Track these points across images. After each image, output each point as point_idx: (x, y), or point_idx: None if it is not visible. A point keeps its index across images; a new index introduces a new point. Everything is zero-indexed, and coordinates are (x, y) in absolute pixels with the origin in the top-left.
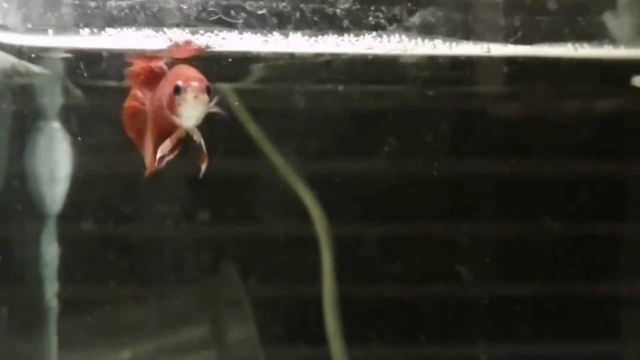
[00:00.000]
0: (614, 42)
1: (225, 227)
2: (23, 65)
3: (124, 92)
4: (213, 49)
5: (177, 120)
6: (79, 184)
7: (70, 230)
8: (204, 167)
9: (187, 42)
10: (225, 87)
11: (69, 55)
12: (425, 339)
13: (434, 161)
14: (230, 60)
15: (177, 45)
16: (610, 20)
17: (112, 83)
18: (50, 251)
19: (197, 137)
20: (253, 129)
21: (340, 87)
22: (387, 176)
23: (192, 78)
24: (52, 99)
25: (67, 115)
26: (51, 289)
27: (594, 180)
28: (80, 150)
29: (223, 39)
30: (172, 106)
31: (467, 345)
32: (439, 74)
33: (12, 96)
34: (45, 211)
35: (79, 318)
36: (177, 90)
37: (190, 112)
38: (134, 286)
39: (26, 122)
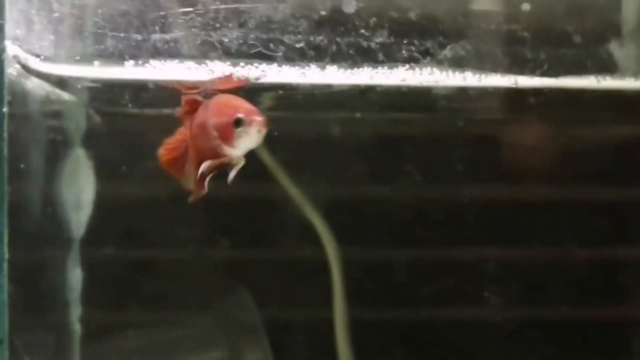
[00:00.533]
0: (634, 74)
1: (239, 252)
2: (55, 92)
3: (149, 120)
4: (256, 81)
5: (228, 150)
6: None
7: (92, 255)
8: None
9: (230, 75)
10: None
11: (95, 84)
12: None
13: (457, 187)
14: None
15: (222, 77)
16: (616, 49)
17: (138, 111)
18: (74, 275)
19: (240, 164)
20: (265, 155)
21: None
22: (411, 202)
23: (252, 112)
24: (78, 125)
25: (92, 142)
26: (75, 313)
27: (616, 205)
28: (104, 176)
29: (263, 71)
30: (228, 137)
31: None
32: (468, 105)
33: (45, 122)
34: (70, 236)
35: (101, 342)
36: (238, 122)
37: (248, 145)
38: (152, 310)
39: (55, 147)
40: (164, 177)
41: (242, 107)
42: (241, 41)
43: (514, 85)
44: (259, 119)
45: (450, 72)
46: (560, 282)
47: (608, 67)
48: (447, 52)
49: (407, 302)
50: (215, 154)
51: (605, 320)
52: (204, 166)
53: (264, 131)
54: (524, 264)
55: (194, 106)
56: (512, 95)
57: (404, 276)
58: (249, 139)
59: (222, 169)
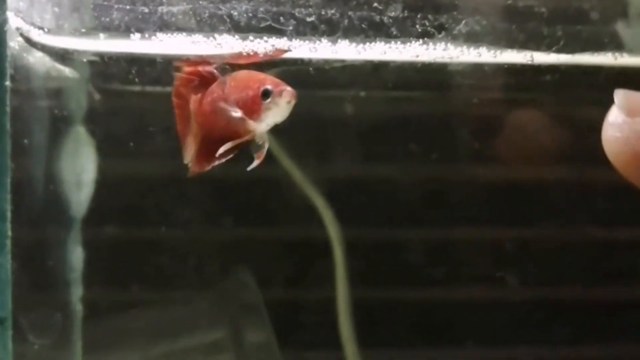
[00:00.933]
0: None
1: (241, 231)
2: (57, 68)
3: (153, 97)
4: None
5: (254, 125)
6: (103, 188)
7: (94, 234)
8: (256, 162)
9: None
10: None
11: (96, 58)
12: (439, 343)
13: (463, 167)
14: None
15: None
16: (622, 29)
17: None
18: (76, 255)
19: (265, 142)
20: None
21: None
22: (422, 181)
23: (280, 83)
24: (79, 103)
25: (93, 119)
26: (76, 293)
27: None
28: (106, 154)
29: (273, 45)
30: (255, 110)
31: (481, 349)
32: (484, 82)
33: (47, 99)
34: (71, 215)
35: (102, 322)
36: (266, 94)
37: (276, 117)
38: (153, 290)
39: (56, 125)
40: (166, 156)
41: (267, 78)
42: (250, 14)
43: (530, 62)
44: (289, 89)
45: (465, 47)
46: (570, 262)
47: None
48: (462, 27)
49: (411, 282)
50: (232, 133)
51: (616, 301)
52: (224, 148)
53: (293, 103)
54: (539, 244)
55: (203, 81)
56: (528, 72)
57: (409, 256)
58: (278, 111)
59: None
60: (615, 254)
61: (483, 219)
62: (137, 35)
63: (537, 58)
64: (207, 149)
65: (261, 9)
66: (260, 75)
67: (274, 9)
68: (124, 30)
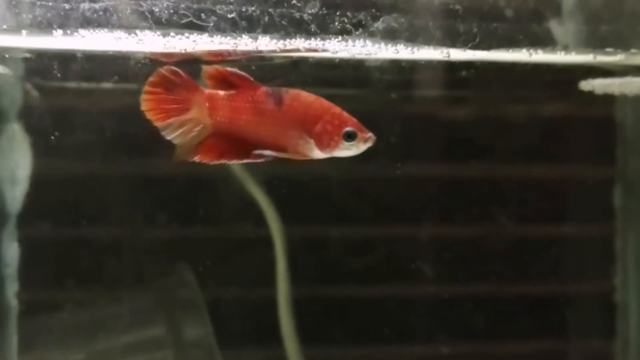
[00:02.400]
0: (564, 47)
1: (181, 229)
2: None
3: (88, 93)
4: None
5: (319, 153)
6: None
7: (29, 231)
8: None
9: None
10: None
11: (29, 55)
12: (379, 339)
13: (391, 163)
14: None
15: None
16: (555, 27)
17: (76, 84)
18: (11, 251)
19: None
20: None
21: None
22: (347, 178)
23: (362, 127)
24: (13, 100)
25: (28, 116)
26: (11, 288)
27: (543, 181)
28: (41, 151)
29: (194, 41)
30: (331, 146)
31: (419, 344)
32: (401, 77)
33: None
34: (5, 211)
35: (38, 318)
36: (350, 136)
37: (349, 154)
38: (92, 287)
39: None
40: (101, 153)
41: (347, 117)
42: (172, 11)
43: (446, 58)
44: (371, 135)
45: (382, 44)
46: (493, 258)
47: (544, 42)
48: (379, 24)
49: (350, 278)
50: (271, 145)
51: (536, 295)
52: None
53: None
54: (460, 239)
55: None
56: (445, 68)
57: (347, 252)
58: (354, 152)
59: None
60: (531, 251)
61: (416, 216)
62: (60, 31)
63: (453, 55)
64: (214, 144)
65: (182, 5)
66: (336, 109)
67: (195, 5)
68: (47, 26)
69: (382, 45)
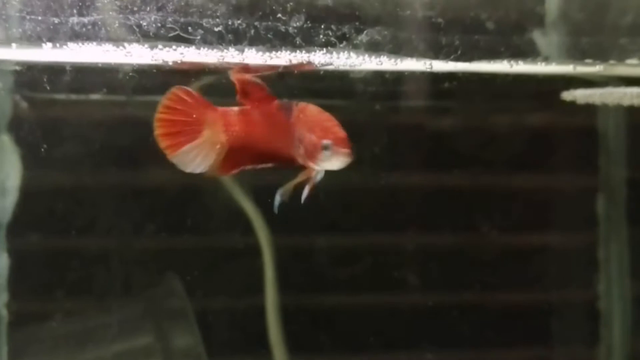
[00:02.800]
0: (544, 59)
1: (169, 239)
2: None
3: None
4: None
5: (310, 164)
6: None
7: (18, 242)
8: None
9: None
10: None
11: (19, 68)
12: (366, 347)
13: (376, 173)
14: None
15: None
16: (539, 38)
17: (65, 96)
18: (1, 261)
19: (318, 177)
20: None
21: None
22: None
23: (343, 139)
24: (3, 111)
25: (17, 128)
26: (1, 299)
27: (526, 190)
28: (30, 162)
29: (181, 54)
30: (314, 155)
31: (406, 352)
32: (385, 89)
33: None
34: None
35: (28, 328)
36: (325, 148)
37: (330, 167)
38: (82, 297)
39: None
40: (90, 164)
41: (333, 129)
42: (159, 24)
43: (429, 69)
44: (344, 150)
45: (366, 56)
46: (478, 267)
47: (527, 53)
48: (363, 37)
49: (337, 286)
50: (278, 157)
51: (521, 303)
52: (285, 190)
53: (349, 160)
54: (444, 248)
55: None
56: (428, 80)
57: (333, 261)
58: (332, 165)
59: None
60: (515, 259)
61: (401, 225)
62: (49, 44)
63: (436, 66)
64: (235, 157)
65: (170, 19)
66: (329, 122)
67: (182, 19)
68: (45, 40)
69: (366, 57)
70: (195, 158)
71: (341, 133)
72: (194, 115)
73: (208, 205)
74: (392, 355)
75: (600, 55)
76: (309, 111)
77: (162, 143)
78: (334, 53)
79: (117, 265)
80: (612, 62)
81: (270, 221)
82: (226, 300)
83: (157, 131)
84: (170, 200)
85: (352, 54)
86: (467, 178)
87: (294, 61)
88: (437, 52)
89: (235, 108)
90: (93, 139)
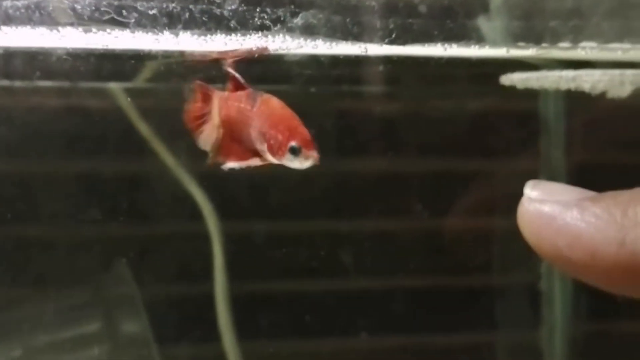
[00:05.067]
0: (482, 42)
1: (117, 225)
2: None
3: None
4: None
5: (271, 158)
6: None
7: None
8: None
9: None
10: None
11: None
12: (316, 333)
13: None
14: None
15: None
16: (483, 23)
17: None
18: None
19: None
20: (143, 127)
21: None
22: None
23: (309, 142)
24: None
25: None
26: None
27: (465, 176)
28: None
29: (116, 37)
30: (279, 153)
31: (353, 337)
32: (320, 72)
33: None
34: None
35: None
36: (292, 150)
37: (292, 166)
38: (27, 284)
39: None
40: (28, 151)
41: (298, 130)
42: (93, 7)
43: (364, 53)
44: (314, 155)
45: (302, 39)
46: (419, 251)
47: (472, 38)
48: (298, 20)
49: (288, 274)
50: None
51: (463, 287)
52: (239, 164)
53: (316, 162)
54: (388, 233)
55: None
56: (364, 63)
57: (284, 248)
58: (297, 166)
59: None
60: (457, 243)
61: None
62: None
63: (371, 50)
64: (228, 145)
65: (104, 2)
66: (293, 120)
67: (116, 2)
68: None
69: (302, 40)
70: (210, 137)
71: (307, 134)
72: (208, 104)
73: (156, 192)
74: (342, 341)
75: (540, 39)
76: (272, 105)
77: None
78: (269, 36)
79: (65, 252)
80: (544, 44)
81: (219, 207)
82: (175, 286)
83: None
84: (118, 186)
85: (287, 37)
86: (403, 163)
87: (231, 46)
88: (372, 36)
89: (225, 92)
90: (29, 124)
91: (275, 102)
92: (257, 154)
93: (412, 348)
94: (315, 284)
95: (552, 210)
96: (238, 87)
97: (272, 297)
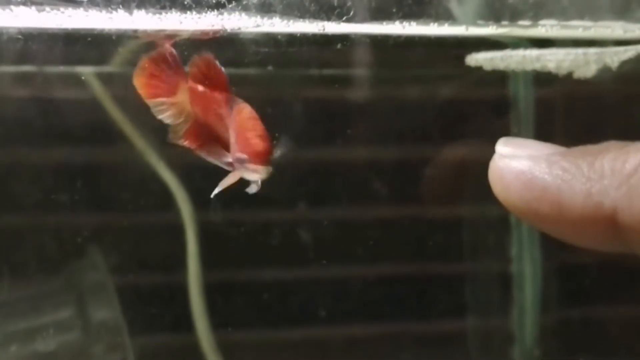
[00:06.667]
0: (441, 20)
1: (92, 213)
2: None
3: None
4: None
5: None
6: None
7: None
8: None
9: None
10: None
11: None
12: (290, 321)
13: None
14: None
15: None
16: (455, 7)
17: None
18: None
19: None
20: (117, 114)
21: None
22: None
23: (258, 155)
24: None
25: None
26: None
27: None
28: None
29: (69, 16)
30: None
31: (327, 325)
32: (277, 51)
33: None
34: None
35: None
36: (241, 161)
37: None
38: (1, 271)
39: None
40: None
41: (251, 144)
42: None
43: (321, 31)
44: (263, 170)
45: (258, 17)
46: (393, 239)
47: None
48: None
49: (262, 263)
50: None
51: (435, 273)
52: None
53: (264, 176)
54: (357, 222)
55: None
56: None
57: (259, 238)
58: (250, 177)
59: None
60: (429, 230)
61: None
62: None
63: (329, 28)
64: (199, 132)
65: None
66: (252, 132)
67: None
68: None
69: (258, 18)
70: (165, 112)
71: (259, 146)
72: (171, 79)
73: (130, 179)
74: (315, 329)
75: (501, 17)
76: (243, 114)
77: (141, 90)
78: (225, 14)
79: (37, 240)
80: (504, 22)
81: (193, 196)
82: (148, 274)
83: (138, 81)
84: (92, 175)
85: (243, 15)
86: (359, 150)
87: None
88: (329, 14)
89: (201, 87)
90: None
91: (246, 112)
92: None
93: (386, 335)
94: (288, 272)
95: (521, 165)
96: (219, 86)
97: (245, 286)
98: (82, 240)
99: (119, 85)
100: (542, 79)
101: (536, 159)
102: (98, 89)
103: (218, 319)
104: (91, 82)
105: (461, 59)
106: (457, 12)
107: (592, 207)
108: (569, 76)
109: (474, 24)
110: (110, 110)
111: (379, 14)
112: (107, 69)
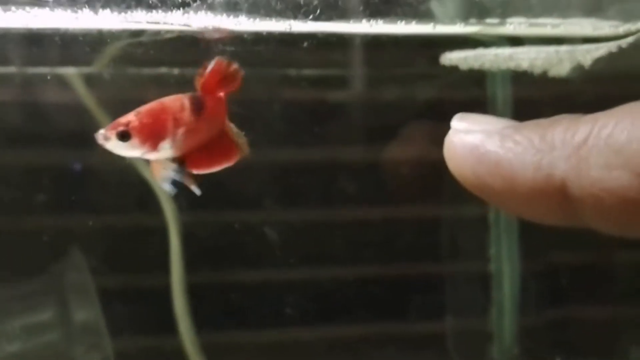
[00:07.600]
0: (409, 19)
1: (73, 215)
2: None
3: None
4: None
5: None
6: None
7: None
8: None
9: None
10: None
11: None
12: (273, 323)
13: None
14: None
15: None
16: (436, 7)
17: None
18: None
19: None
20: (101, 116)
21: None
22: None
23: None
24: None
25: None
26: None
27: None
28: None
29: (35, 16)
30: None
31: (310, 327)
32: (244, 49)
33: None
34: None
35: None
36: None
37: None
38: None
39: None
40: None
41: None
42: None
43: (288, 30)
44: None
45: (224, 16)
46: (373, 240)
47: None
48: None
49: (245, 266)
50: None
51: (414, 274)
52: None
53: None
54: (336, 224)
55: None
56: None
57: (243, 239)
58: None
59: None
60: (409, 231)
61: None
62: None
63: (295, 26)
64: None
65: None
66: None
67: None
68: None
69: (224, 17)
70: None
71: (124, 119)
72: None
73: (113, 181)
74: (299, 330)
75: (470, 15)
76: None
77: None
78: (191, 12)
79: (18, 241)
80: (472, 20)
81: (176, 197)
82: (131, 276)
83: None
84: (75, 177)
85: (208, 14)
86: (330, 150)
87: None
88: (296, 12)
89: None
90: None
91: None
92: None
93: (365, 336)
94: (272, 274)
95: (474, 139)
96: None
97: (229, 288)
98: (63, 241)
99: (100, 85)
100: (520, 78)
101: (489, 133)
102: (79, 89)
103: (201, 320)
104: (74, 82)
105: (435, 58)
106: (438, 12)
107: (542, 180)
108: (544, 75)
109: (453, 23)
110: (92, 111)
111: (346, 13)
112: (87, 69)
